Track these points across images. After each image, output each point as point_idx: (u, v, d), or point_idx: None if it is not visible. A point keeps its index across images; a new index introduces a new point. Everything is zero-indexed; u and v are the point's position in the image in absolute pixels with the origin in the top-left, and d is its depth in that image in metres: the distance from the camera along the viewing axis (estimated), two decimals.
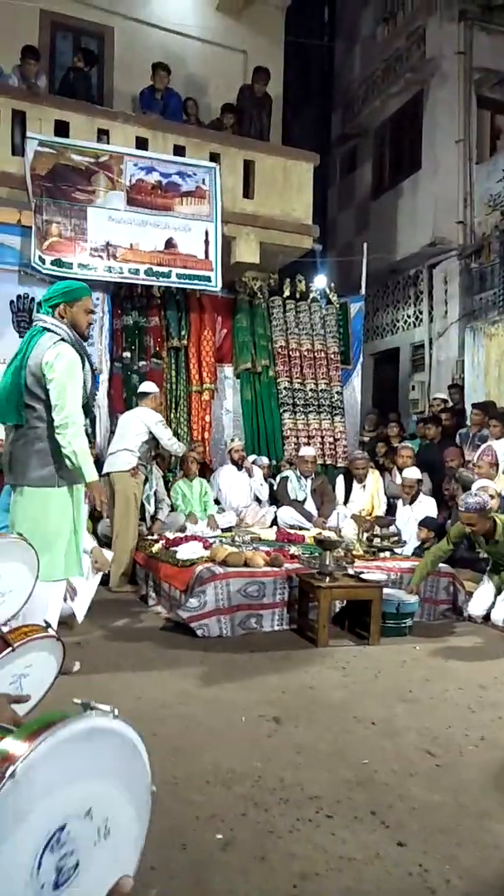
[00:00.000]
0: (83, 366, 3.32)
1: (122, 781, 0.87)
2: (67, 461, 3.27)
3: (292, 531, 6.07)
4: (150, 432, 5.89)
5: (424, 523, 5.99)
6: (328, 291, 8.77)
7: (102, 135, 7.40)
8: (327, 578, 4.47)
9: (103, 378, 7.06)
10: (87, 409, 3.45)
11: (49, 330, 3.28)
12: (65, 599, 3.84)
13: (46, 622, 2.70)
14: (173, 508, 6.51)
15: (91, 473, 3.31)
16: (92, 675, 3.52)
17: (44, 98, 7.34)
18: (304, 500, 6.82)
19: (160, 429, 5.94)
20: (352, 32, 12.64)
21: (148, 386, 6.31)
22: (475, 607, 4.98)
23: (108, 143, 7.36)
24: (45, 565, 2.96)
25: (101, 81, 8.95)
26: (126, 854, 0.90)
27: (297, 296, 8.40)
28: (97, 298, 7.07)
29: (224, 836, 2.09)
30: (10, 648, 2.29)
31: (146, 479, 6.08)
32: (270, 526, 6.34)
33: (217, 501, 6.83)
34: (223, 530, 5.90)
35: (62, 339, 3.26)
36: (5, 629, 2.51)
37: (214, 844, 2.04)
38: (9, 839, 0.73)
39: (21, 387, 3.27)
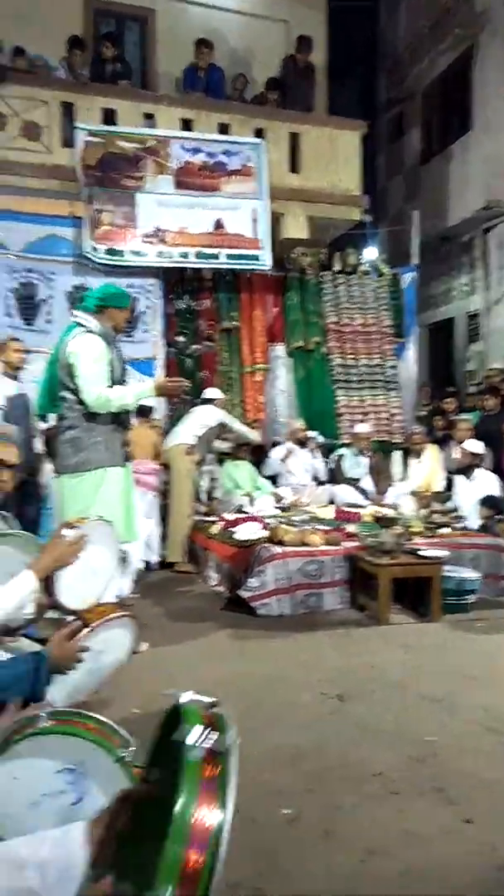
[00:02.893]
0: (110, 354, 3.52)
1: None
2: (127, 425, 3.60)
3: (350, 509, 6.08)
4: (210, 427, 6.11)
5: (486, 502, 5.86)
6: (379, 263, 8.60)
7: (148, 119, 7.42)
8: (386, 556, 4.49)
9: (158, 363, 7.17)
10: None
11: (80, 324, 3.53)
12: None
13: (119, 597, 2.81)
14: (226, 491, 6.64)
15: (147, 390, 3.59)
16: (155, 654, 3.66)
17: (90, 87, 7.39)
18: (361, 477, 6.81)
19: (231, 418, 6.29)
20: None
21: (213, 392, 6.58)
22: None
23: (154, 126, 7.37)
24: None
25: (145, 64, 8.93)
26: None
27: (348, 269, 8.26)
28: (150, 284, 7.15)
29: (291, 811, 2.18)
30: (88, 629, 2.36)
31: (202, 459, 6.23)
32: (327, 505, 6.37)
33: (274, 481, 6.89)
34: (281, 510, 5.98)
35: (88, 331, 3.49)
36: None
37: (282, 820, 2.13)
38: None
39: (55, 379, 3.57)
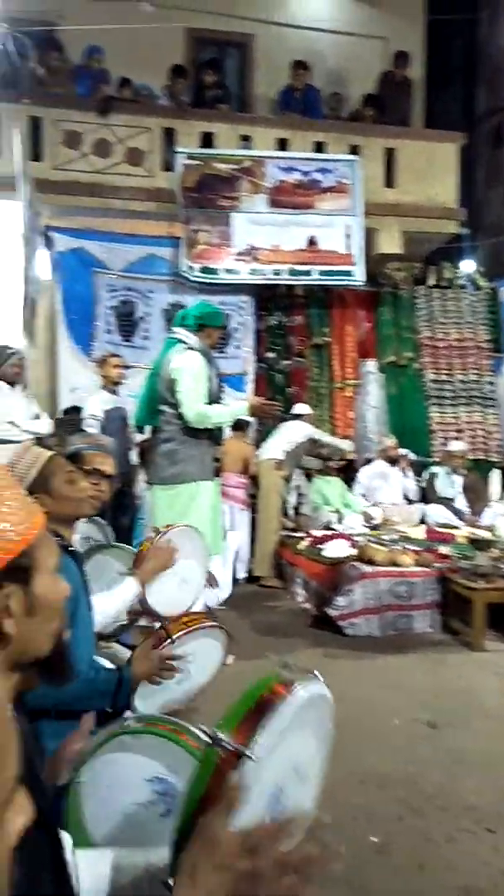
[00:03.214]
0: (209, 370, 3.61)
1: (319, 736, 1.00)
2: (219, 441, 3.72)
3: (442, 530, 5.90)
4: (299, 442, 6.13)
5: None
6: (476, 276, 8.36)
7: (245, 140, 7.59)
8: (482, 580, 4.32)
9: (248, 379, 7.26)
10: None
11: (180, 341, 3.64)
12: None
13: (207, 607, 2.84)
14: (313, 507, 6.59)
15: (242, 409, 3.71)
16: (242, 667, 3.66)
17: (190, 113, 7.66)
18: (454, 497, 6.59)
19: (320, 433, 6.34)
20: (497, 3, 11.86)
21: (302, 408, 6.63)
22: None
23: (250, 147, 7.53)
24: None
25: (243, 88, 9.15)
26: (313, 790, 1.04)
27: (443, 283, 8.09)
28: (243, 301, 7.29)
29: (380, 838, 2.12)
30: (169, 641, 2.38)
31: (290, 474, 6.24)
32: (418, 524, 6.21)
33: (363, 499, 6.79)
34: (370, 528, 5.88)
35: (188, 347, 3.59)
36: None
37: (371, 847, 2.08)
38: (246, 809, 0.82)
39: (155, 392, 3.69)
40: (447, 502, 6.52)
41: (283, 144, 7.72)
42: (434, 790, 2.44)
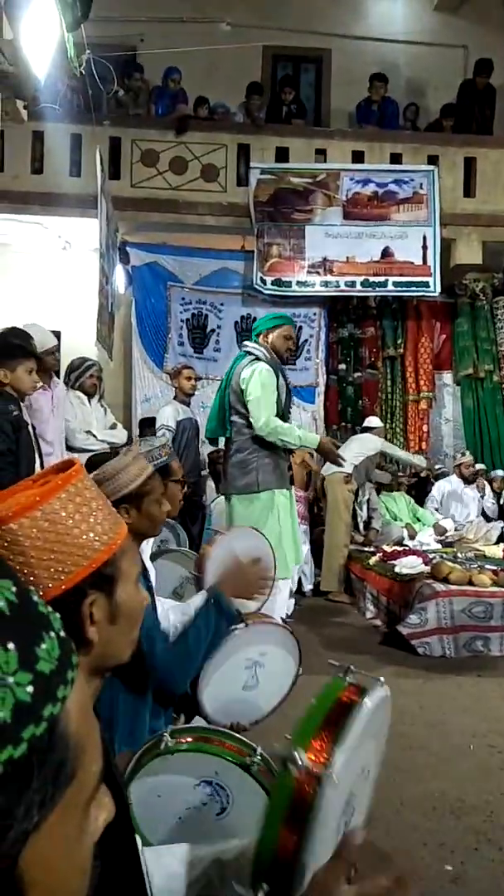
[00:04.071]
0: (277, 382, 3.58)
1: (381, 734, 1.00)
2: (290, 450, 3.65)
3: None
4: (369, 455, 6.01)
5: None
6: None
7: (319, 154, 7.60)
8: None
9: (319, 391, 7.21)
10: (284, 420, 3.65)
11: (249, 353, 3.65)
12: None
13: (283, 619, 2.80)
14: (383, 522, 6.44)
15: (312, 440, 3.66)
16: (310, 681, 3.56)
17: (265, 128, 7.74)
18: None
19: (392, 447, 6.21)
20: None
21: (372, 420, 6.50)
22: None
23: (325, 161, 7.53)
24: None
25: (319, 102, 9.19)
26: (372, 785, 1.02)
27: None
28: (314, 313, 7.26)
29: (454, 868, 1.99)
30: (243, 623, 2.31)
31: (359, 488, 6.11)
32: (496, 543, 5.95)
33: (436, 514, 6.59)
34: (444, 545, 5.67)
35: (257, 359, 3.57)
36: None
37: (444, 875, 1.96)
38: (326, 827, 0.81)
39: (226, 404, 3.68)
40: None
41: (358, 157, 7.68)
42: None
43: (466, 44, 8.90)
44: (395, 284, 7.31)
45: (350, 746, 0.81)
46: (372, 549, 5.77)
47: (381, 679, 0.93)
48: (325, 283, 7.17)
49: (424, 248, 7.34)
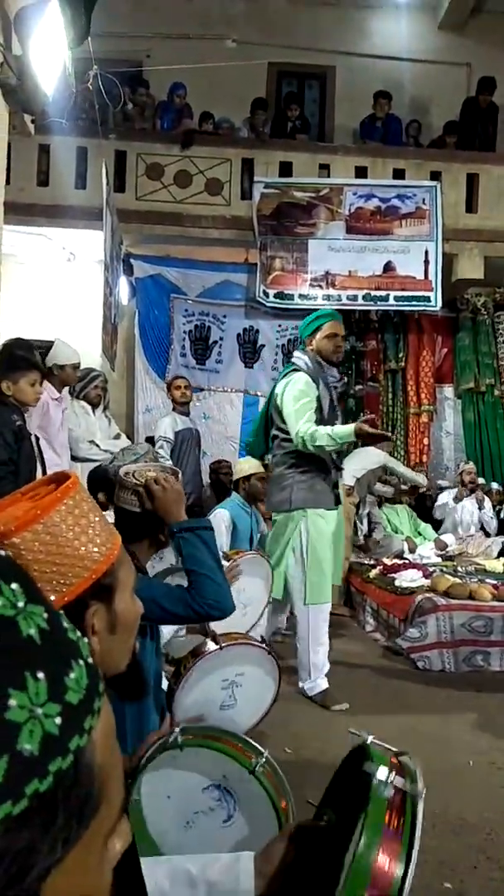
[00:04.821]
0: (318, 391, 3.41)
1: None
2: (332, 452, 3.42)
3: None
4: (371, 469, 6.01)
5: None
6: None
7: (323, 169, 7.66)
8: None
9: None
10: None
11: (293, 363, 3.55)
12: None
13: (262, 638, 2.80)
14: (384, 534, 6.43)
15: (346, 433, 3.28)
16: (310, 701, 3.55)
17: (269, 143, 7.82)
18: None
19: (394, 461, 6.16)
20: None
21: None
22: None
23: (328, 176, 7.59)
24: (296, 588, 3.39)
25: (323, 119, 9.28)
26: None
27: None
28: None
29: (454, 886, 1.98)
30: (217, 647, 2.34)
31: (360, 501, 6.11)
32: (497, 557, 5.93)
33: (436, 528, 6.58)
34: (444, 559, 5.66)
35: (296, 370, 3.47)
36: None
37: (444, 894, 1.94)
38: None
39: (267, 419, 3.63)
40: None
41: (362, 172, 7.74)
42: None
43: (470, 62, 9.00)
44: (397, 299, 7.34)
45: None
46: (372, 562, 5.76)
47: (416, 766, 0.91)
48: (328, 297, 7.21)
49: (426, 262, 7.38)
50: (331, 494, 3.48)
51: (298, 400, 3.35)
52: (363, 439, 3.45)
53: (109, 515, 1.74)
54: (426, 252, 7.41)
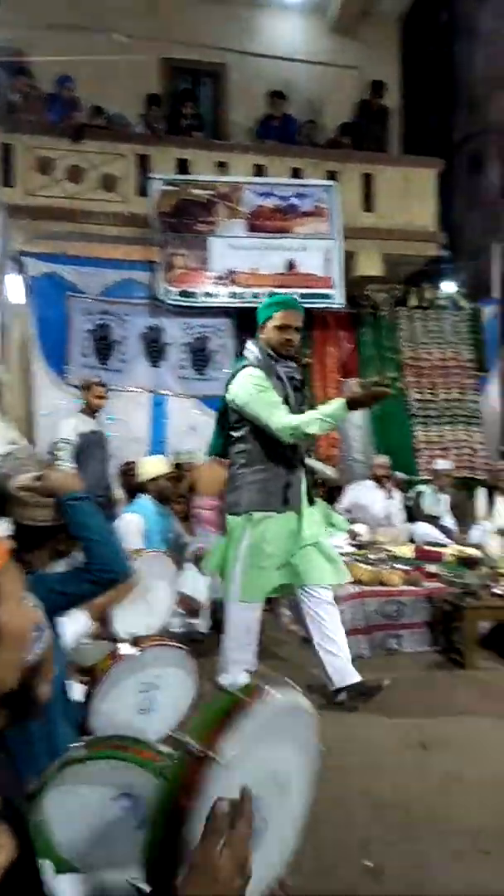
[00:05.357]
0: (273, 382, 3.18)
1: (300, 746, 0.97)
2: (324, 431, 3.17)
3: (430, 548, 5.76)
4: None
5: None
6: (458, 297, 8.40)
7: (220, 167, 7.64)
8: (472, 598, 4.19)
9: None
10: None
11: (244, 356, 3.33)
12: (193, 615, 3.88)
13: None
14: None
15: (339, 409, 3.04)
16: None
17: (165, 139, 7.73)
18: (441, 515, 6.47)
19: (310, 459, 6.08)
20: (472, 31, 12.21)
21: None
22: None
23: (226, 174, 7.57)
24: (229, 583, 3.23)
25: (217, 116, 9.28)
26: (298, 807, 1.00)
27: (424, 304, 8.12)
28: (222, 324, 7.24)
29: (374, 863, 1.95)
30: (136, 649, 2.29)
31: None
32: (406, 543, 6.07)
33: (349, 519, 6.65)
34: (356, 548, 5.72)
35: (245, 365, 3.25)
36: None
37: (364, 872, 1.91)
38: None
39: (222, 417, 3.37)
40: (434, 521, 6.40)
41: (259, 171, 7.78)
42: (428, 813, 2.27)
43: (361, 65, 9.24)
44: (301, 296, 7.37)
45: (242, 735, 0.79)
46: None
47: (297, 688, 0.92)
48: (232, 295, 7.18)
49: (327, 260, 7.49)
50: (284, 495, 3.21)
51: (259, 393, 3.11)
52: (362, 406, 3.21)
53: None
54: (327, 250, 7.53)
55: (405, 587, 4.57)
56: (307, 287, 7.43)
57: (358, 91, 9.14)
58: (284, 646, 4.58)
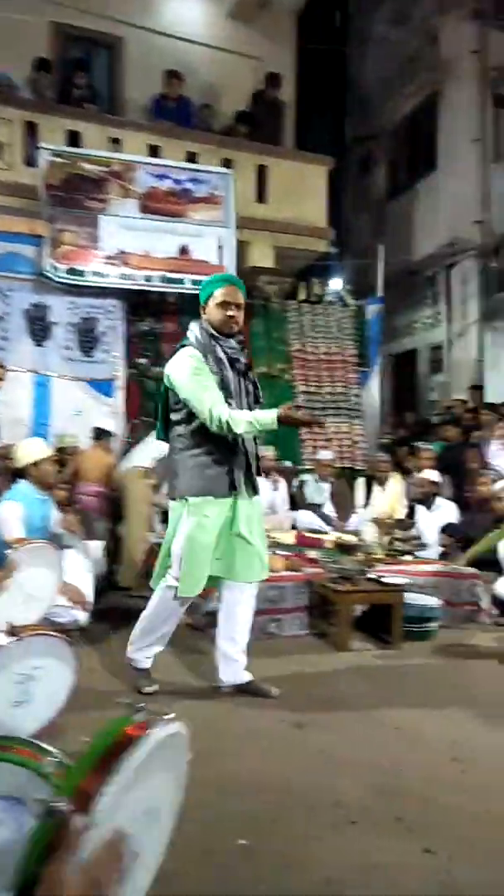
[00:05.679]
0: (211, 365, 3.06)
1: (171, 770, 0.96)
2: (253, 436, 3.07)
3: (311, 535, 5.98)
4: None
5: (447, 530, 5.85)
6: (344, 294, 8.71)
7: (114, 143, 7.43)
8: (348, 583, 4.39)
9: (118, 384, 7.05)
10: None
11: (186, 336, 3.20)
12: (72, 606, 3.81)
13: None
14: None
15: (268, 420, 2.95)
16: (109, 679, 3.47)
17: (56, 109, 7.40)
18: (323, 504, 6.73)
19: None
20: (365, 35, 12.61)
21: None
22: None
23: (120, 151, 7.38)
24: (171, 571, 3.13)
25: (112, 90, 9.00)
26: (168, 826, 1.01)
27: (313, 299, 8.35)
28: (112, 305, 7.08)
29: (249, 842, 2.02)
30: (15, 638, 2.25)
31: (160, 483, 6.06)
32: (289, 530, 6.26)
33: None
34: None
35: (184, 345, 3.14)
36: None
37: (238, 851, 1.98)
38: None
39: (163, 400, 3.22)
40: (316, 509, 6.64)
41: (154, 151, 7.64)
42: (302, 790, 2.38)
43: (259, 55, 9.28)
44: (194, 283, 7.38)
45: (120, 783, 0.78)
46: None
47: (172, 715, 0.92)
48: (123, 276, 7.02)
49: (220, 248, 7.51)
50: (225, 480, 3.09)
51: (193, 375, 3.00)
52: (290, 426, 3.06)
53: None
54: (220, 238, 7.54)
55: (287, 573, 4.70)
56: (200, 274, 7.39)
57: (254, 82, 9.17)
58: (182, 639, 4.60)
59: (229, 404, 3.01)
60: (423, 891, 1.82)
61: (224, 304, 3.12)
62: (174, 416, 3.15)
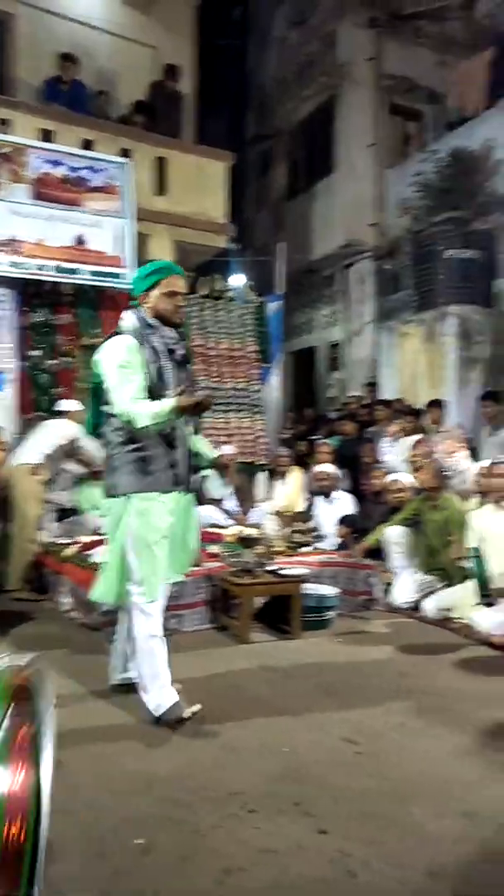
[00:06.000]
0: (142, 355, 2.89)
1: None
2: (160, 428, 2.87)
3: (213, 530, 5.98)
4: (62, 444, 5.69)
5: (344, 521, 6.04)
6: (245, 290, 8.77)
7: (2, 124, 7.10)
8: (248, 576, 4.43)
9: (10, 377, 6.75)
10: (156, 398, 2.89)
11: (119, 325, 3.03)
12: None
13: None
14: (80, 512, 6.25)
15: (165, 412, 2.77)
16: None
17: None
18: (225, 498, 6.75)
19: (87, 437, 5.74)
20: (265, 33, 12.74)
21: (67, 404, 6.08)
22: (402, 595, 5.06)
23: (9, 133, 7.05)
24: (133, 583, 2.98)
25: (2, 69, 8.59)
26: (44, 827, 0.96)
27: (214, 295, 8.35)
28: (2, 295, 6.76)
29: (145, 840, 1.99)
30: None
31: (51, 479, 5.84)
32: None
33: None
34: None
35: (117, 332, 2.98)
36: None
37: (134, 850, 1.94)
38: None
39: (96, 390, 3.05)
40: (217, 503, 6.66)
41: (47, 136, 7.37)
42: (201, 783, 2.38)
43: (156, 45, 9.16)
44: (91, 273, 7.20)
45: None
46: (68, 540, 5.58)
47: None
48: (14, 264, 6.73)
49: (117, 238, 7.36)
50: (169, 475, 2.96)
51: (120, 369, 2.84)
52: (188, 414, 2.90)
53: None
54: (117, 228, 7.39)
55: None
56: (97, 265, 7.24)
57: (152, 71, 9.05)
58: (67, 629, 4.47)
59: (166, 396, 2.89)
60: (319, 872, 1.86)
61: (172, 294, 3.03)
62: (110, 409, 2.98)
